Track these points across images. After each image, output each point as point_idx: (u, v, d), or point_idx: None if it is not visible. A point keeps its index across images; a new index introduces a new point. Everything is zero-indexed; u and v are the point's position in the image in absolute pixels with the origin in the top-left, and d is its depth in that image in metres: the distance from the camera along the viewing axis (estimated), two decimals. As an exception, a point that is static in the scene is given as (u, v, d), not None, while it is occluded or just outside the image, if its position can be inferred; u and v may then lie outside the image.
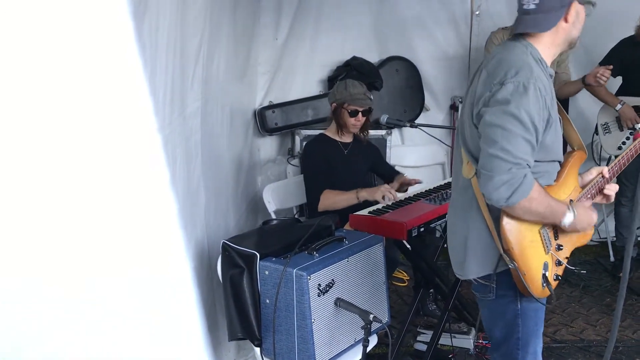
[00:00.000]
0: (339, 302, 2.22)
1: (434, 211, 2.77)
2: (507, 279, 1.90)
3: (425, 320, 3.42)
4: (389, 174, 3.41)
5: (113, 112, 1.68)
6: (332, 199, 3.07)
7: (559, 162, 1.96)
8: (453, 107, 4.62)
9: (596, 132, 3.96)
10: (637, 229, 4.14)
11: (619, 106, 3.75)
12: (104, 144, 1.69)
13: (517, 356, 2.00)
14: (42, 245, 1.69)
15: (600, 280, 4.02)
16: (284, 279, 2.16)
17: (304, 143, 3.82)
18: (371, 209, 2.85)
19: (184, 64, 2.35)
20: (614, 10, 3.70)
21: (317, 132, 3.69)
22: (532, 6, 1.81)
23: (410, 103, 4.57)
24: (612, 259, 4.27)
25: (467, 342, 3.12)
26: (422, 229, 2.67)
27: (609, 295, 3.81)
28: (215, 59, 2.94)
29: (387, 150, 4.25)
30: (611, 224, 4.27)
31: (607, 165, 2.16)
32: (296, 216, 3.62)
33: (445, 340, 3.03)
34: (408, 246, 2.95)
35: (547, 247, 1.90)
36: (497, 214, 1.83)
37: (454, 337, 3.09)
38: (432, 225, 2.77)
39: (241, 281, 2.25)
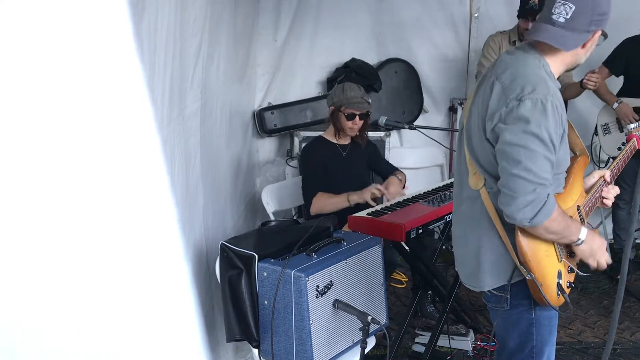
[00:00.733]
0: (337, 304, 2.22)
1: (432, 213, 2.77)
2: (520, 288, 1.88)
3: (423, 322, 3.42)
4: (387, 172, 3.40)
5: (112, 113, 1.68)
6: (323, 202, 3.08)
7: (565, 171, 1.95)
8: (452, 109, 4.63)
9: (596, 133, 3.97)
10: (635, 231, 4.15)
11: (615, 104, 3.77)
12: (103, 145, 1.69)
13: None
14: (40, 246, 1.68)
15: (598, 283, 4.02)
16: (282, 280, 2.16)
17: (303, 145, 3.82)
18: (369, 210, 2.85)
19: (183, 64, 2.35)
20: (624, 10, 3.70)
21: (316, 133, 3.70)
22: (561, 19, 1.74)
23: (409, 105, 4.58)
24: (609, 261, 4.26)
25: (465, 343, 3.12)
26: (420, 231, 2.67)
27: (607, 298, 3.82)
28: (215, 60, 2.94)
29: (386, 151, 4.25)
30: (609, 226, 4.28)
31: (605, 167, 2.17)
32: (295, 217, 3.62)
33: (443, 342, 3.03)
34: (406, 248, 2.95)
35: (560, 255, 1.89)
36: (510, 225, 1.80)
37: (452, 338, 3.09)
38: (430, 227, 2.77)
39: (239, 282, 2.25)
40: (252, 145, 4.22)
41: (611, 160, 3.94)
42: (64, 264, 1.72)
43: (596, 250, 1.90)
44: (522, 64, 1.81)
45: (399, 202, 2.97)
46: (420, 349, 3.08)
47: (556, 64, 1.84)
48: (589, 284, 3.98)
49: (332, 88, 4.25)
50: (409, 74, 4.54)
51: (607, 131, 3.89)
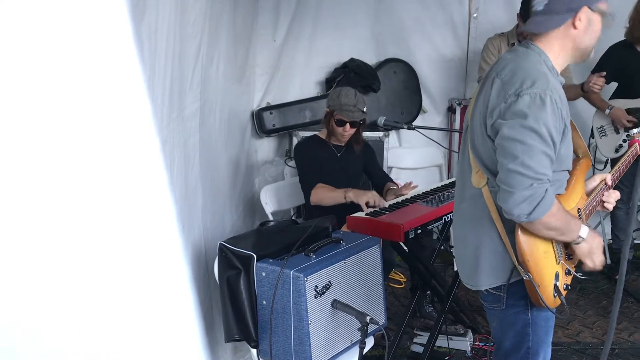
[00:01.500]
0: (336, 304, 2.22)
1: (431, 213, 2.77)
2: (518, 289, 1.88)
3: (422, 322, 3.42)
4: (378, 179, 3.39)
5: (112, 114, 1.68)
6: (322, 194, 3.08)
7: (568, 170, 1.93)
8: (450, 110, 4.63)
9: (592, 135, 3.97)
10: (634, 231, 4.16)
11: (607, 111, 3.78)
12: (102, 146, 1.69)
13: None
14: (39, 245, 1.68)
15: (596, 283, 4.03)
16: (281, 280, 2.16)
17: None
18: (368, 210, 2.85)
19: (183, 65, 2.35)
20: (614, 12, 3.71)
21: (314, 133, 3.70)
22: (540, 7, 1.79)
23: (407, 105, 4.58)
24: (608, 261, 4.27)
25: (463, 344, 3.12)
26: (419, 231, 2.67)
27: (605, 298, 3.82)
28: (214, 61, 2.94)
29: (385, 152, 4.25)
30: (607, 226, 4.29)
31: (603, 168, 2.17)
32: (293, 217, 3.62)
33: (442, 342, 3.04)
34: (405, 248, 2.95)
35: (559, 256, 1.89)
36: (510, 225, 1.80)
37: (451, 339, 3.09)
38: (429, 227, 2.77)
39: (238, 282, 2.25)
40: (250, 145, 4.22)
41: (609, 161, 3.95)
42: (63, 263, 1.72)
43: (595, 249, 1.90)
44: (523, 59, 1.81)
45: (397, 202, 2.97)
46: (419, 349, 3.08)
47: (556, 54, 1.83)
48: (587, 284, 3.99)
49: (331, 88, 4.28)
50: (407, 74, 4.54)
51: (603, 133, 3.89)
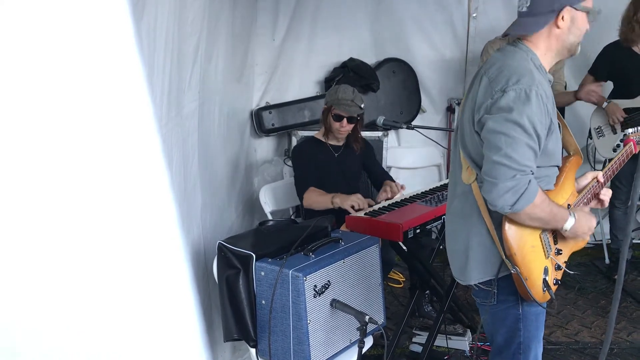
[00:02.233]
0: (335, 304, 2.22)
1: (430, 213, 2.77)
2: (508, 284, 1.90)
3: (420, 322, 3.43)
4: (377, 176, 3.39)
5: (112, 113, 1.68)
6: (312, 199, 3.07)
7: (558, 166, 1.96)
8: (449, 109, 4.63)
9: (590, 136, 3.98)
10: (632, 231, 4.16)
11: (605, 104, 3.78)
12: (103, 145, 1.69)
13: None
14: (39, 245, 1.68)
15: (595, 283, 4.03)
16: (279, 280, 2.16)
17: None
18: (367, 210, 2.85)
19: (182, 64, 2.35)
20: (607, 12, 3.71)
21: (313, 133, 3.70)
22: (524, 9, 1.84)
23: (406, 105, 4.58)
24: (607, 261, 4.28)
25: (462, 343, 3.13)
26: (418, 231, 2.67)
27: (604, 298, 3.82)
28: (213, 59, 2.94)
29: (384, 151, 4.25)
30: (606, 226, 4.29)
31: (602, 169, 2.18)
32: (292, 217, 3.62)
33: (440, 341, 3.04)
34: (404, 247, 2.95)
35: (547, 251, 1.91)
36: (498, 219, 1.83)
37: (450, 338, 3.09)
38: (428, 226, 2.77)
39: (237, 282, 2.25)
40: (249, 144, 4.22)
41: (608, 161, 3.96)
42: (64, 262, 1.72)
43: (582, 235, 1.93)
44: (510, 57, 1.85)
45: (396, 202, 2.97)
46: (418, 348, 3.09)
47: (543, 53, 1.87)
48: (586, 284, 3.99)
49: (330, 87, 4.28)
50: (407, 74, 4.54)
51: (600, 134, 3.90)
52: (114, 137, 1.70)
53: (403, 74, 4.53)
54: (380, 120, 3.31)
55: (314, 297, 2.17)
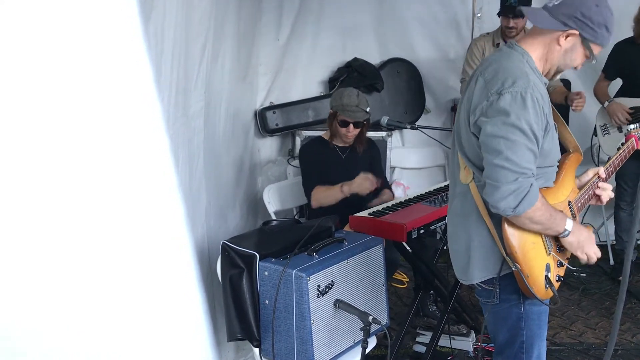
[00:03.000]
0: (338, 304, 2.22)
1: (433, 213, 2.77)
2: (510, 282, 1.90)
3: (424, 322, 3.42)
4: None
5: (121, 113, 1.68)
6: (320, 195, 3.08)
7: (556, 165, 1.97)
8: (453, 110, 4.62)
9: (595, 133, 3.97)
10: (637, 232, 4.14)
11: (606, 103, 3.77)
12: (111, 145, 1.69)
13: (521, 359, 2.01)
14: (47, 244, 1.69)
15: (599, 284, 4.02)
16: (283, 279, 2.16)
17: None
18: (371, 210, 2.85)
19: (189, 64, 2.36)
20: (622, 14, 3.70)
21: (317, 133, 3.70)
22: (552, 4, 1.83)
23: (411, 105, 4.58)
24: (611, 262, 4.27)
25: (466, 344, 3.12)
26: (422, 231, 2.67)
27: (609, 299, 3.81)
28: (219, 59, 2.95)
29: (388, 151, 4.25)
30: (611, 227, 4.27)
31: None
32: (296, 217, 3.62)
33: (444, 342, 3.03)
34: (408, 248, 2.95)
35: (549, 248, 1.91)
36: (498, 218, 1.84)
37: (453, 339, 3.09)
38: (432, 227, 2.77)
39: (241, 282, 2.25)
40: (253, 144, 4.22)
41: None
42: (72, 262, 1.72)
43: (584, 242, 1.92)
44: (506, 59, 1.86)
45: (400, 202, 2.97)
46: (421, 349, 3.08)
47: (538, 59, 1.88)
48: (590, 285, 3.98)
49: (334, 87, 4.27)
50: (411, 74, 4.54)
51: (605, 132, 3.89)
52: (123, 137, 1.71)
53: (407, 74, 4.53)
54: (385, 120, 3.31)
55: (318, 297, 2.17)
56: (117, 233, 1.76)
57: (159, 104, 1.75)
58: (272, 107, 4.29)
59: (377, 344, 2.67)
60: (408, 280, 4.03)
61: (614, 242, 4.20)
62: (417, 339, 3.18)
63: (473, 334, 3.17)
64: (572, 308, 3.68)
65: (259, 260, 2.24)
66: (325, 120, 3.33)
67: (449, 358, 3.05)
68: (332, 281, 2.22)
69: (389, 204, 2.96)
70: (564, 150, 2.12)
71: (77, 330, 1.78)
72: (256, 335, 2.29)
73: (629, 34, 3.72)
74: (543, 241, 1.90)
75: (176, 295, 1.95)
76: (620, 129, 3.80)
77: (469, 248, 1.93)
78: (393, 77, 4.49)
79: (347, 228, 2.76)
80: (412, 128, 3.31)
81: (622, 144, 3.77)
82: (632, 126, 2.43)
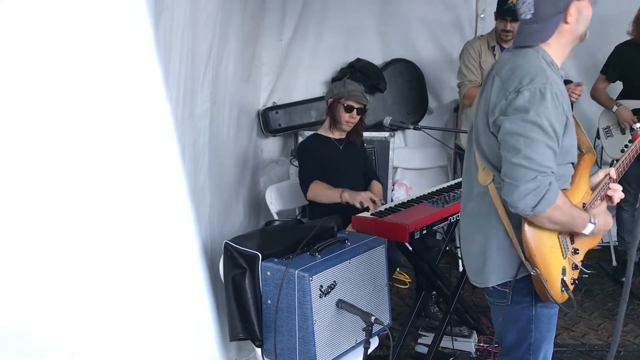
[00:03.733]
0: (341, 304, 2.22)
1: (436, 213, 2.77)
2: (524, 285, 1.89)
3: (426, 323, 3.42)
4: (367, 176, 3.39)
5: (132, 115, 1.69)
6: (318, 191, 3.07)
7: (573, 163, 1.94)
8: (456, 110, 4.62)
9: (598, 136, 3.96)
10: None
11: (615, 108, 3.76)
12: (121, 145, 1.70)
13: None
14: (57, 245, 1.70)
15: (602, 285, 4.01)
16: (285, 279, 2.16)
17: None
18: (374, 210, 2.85)
19: (195, 65, 2.37)
20: (616, 13, 3.70)
21: (315, 132, 3.70)
22: (528, 16, 1.79)
23: (413, 105, 4.58)
24: (614, 263, 4.26)
25: (468, 345, 3.12)
26: (424, 232, 2.67)
27: (611, 300, 3.80)
28: (224, 60, 2.96)
29: (390, 152, 4.25)
30: (613, 228, 4.26)
31: (611, 166, 2.16)
32: (299, 217, 3.62)
33: (446, 342, 3.03)
34: (410, 248, 2.95)
35: (565, 251, 1.89)
36: (517, 221, 1.81)
37: (456, 340, 3.09)
38: (434, 227, 2.77)
39: (243, 281, 2.26)
40: (256, 144, 4.22)
41: (615, 162, 3.93)
42: (79, 263, 1.73)
43: (598, 233, 1.92)
44: (521, 57, 1.83)
45: (402, 202, 2.97)
46: (423, 349, 3.08)
47: (555, 50, 1.84)
48: (593, 286, 3.97)
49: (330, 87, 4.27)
50: (414, 75, 4.54)
51: (609, 134, 3.88)
52: (133, 138, 1.72)
53: (410, 74, 4.53)
54: (387, 120, 3.31)
55: (320, 297, 2.17)
56: (125, 233, 1.77)
57: (168, 105, 1.76)
58: (275, 108, 4.30)
59: (379, 345, 2.67)
60: (410, 280, 4.03)
61: (617, 243, 4.20)
62: (419, 340, 3.18)
63: (475, 335, 3.17)
64: (571, 308, 3.67)
65: (262, 260, 2.24)
66: (325, 112, 3.34)
67: (451, 359, 3.05)
68: (334, 281, 2.22)
69: (392, 204, 2.96)
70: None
71: (84, 329, 1.79)
72: (258, 335, 2.29)
73: (624, 34, 3.71)
74: (560, 244, 1.88)
75: (182, 295, 1.96)
76: (623, 131, 3.79)
77: (485, 250, 1.90)
78: (396, 77, 4.49)
79: (349, 228, 2.76)
80: (414, 129, 3.32)
81: (626, 146, 3.77)
82: (638, 125, 2.42)
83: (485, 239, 1.90)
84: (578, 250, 1.94)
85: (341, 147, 3.28)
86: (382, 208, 2.89)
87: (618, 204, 4.00)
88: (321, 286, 2.17)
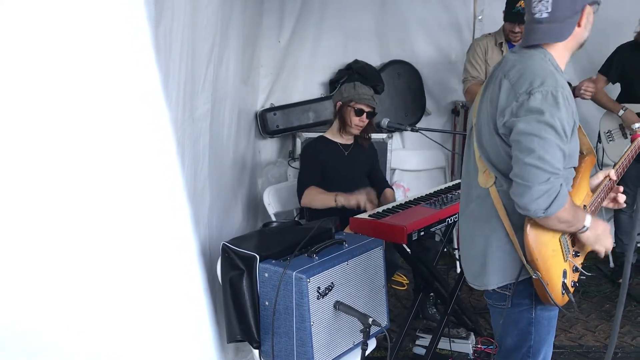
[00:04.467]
0: (338, 305, 2.22)
1: (434, 215, 2.77)
2: (524, 287, 1.89)
3: (424, 324, 3.42)
4: (377, 182, 3.39)
5: (130, 117, 1.69)
6: (312, 197, 3.07)
7: (574, 167, 1.94)
8: (454, 112, 4.63)
9: (599, 140, 3.95)
10: (638, 235, 4.13)
11: (621, 112, 3.75)
12: (120, 147, 1.70)
13: None
14: (55, 246, 1.70)
15: (599, 286, 4.02)
16: (283, 281, 2.16)
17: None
18: (371, 212, 2.85)
19: (195, 67, 2.37)
20: (616, 15, 3.71)
21: (318, 134, 3.70)
22: (544, 15, 1.78)
23: (411, 107, 4.58)
24: (611, 265, 4.27)
25: (465, 346, 3.12)
26: (422, 233, 2.67)
27: (608, 301, 3.81)
28: (224, 62, 2.96)
29: (388, 154, 4.25)
30: (611, 230, 4.27)
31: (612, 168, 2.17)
32: (296, 219, 3.62)
33: (444, 344, 3.03)
34: (408, 250, 2.95)
35: (566, 254, 1.89)
36: (518, 223, 1.81)
37: (453, 341, 3.09)
38: (432, 229, 2.77)
39: (241, 283, 2.25)
40: (254, 146, 4.22)
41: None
42: (77, 264, 1.73)
43: (600, 235, 1.91)
44: (528, 59, 1.82)
45: (400, 204, 2.97)
46: (421, 351, 3.08)
47: (560, 54, 1.84)
48: (590, 287, 3.98)
49: (336, 89, 4.27)
50: (411, 76, 4.54)
51: (610, 138, 3.87)
52: (131, 140, 1.71)
53: (408, 76, 4.53)
54: (385, 122, 3.31)
55: (318, 298, 2.17)
56: (124, 233, 1.77)
57: (166, 107, 1.76)
58: (273, 109, 4.30)
59: (376, 346, 2.67)
60: (408, 282, 4.03)
61: (614, 244, 4.20)
62: (417, 342, 3.18)
63: (473, 337, 3.17)
64: (571, 310, 3.68)
65: (259, 261, 2.24)
66: (325, 122, 3.35)
67: (448, 360, 3.06)
68: (332, 283, 2.22)
69: (389, 205, 2.95)
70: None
71: (84, 330, 1.79)
72: (256, 337, 2.29)
73: (628, 36, 3.72)
74: (562, 247, 1.87)
75: (181, 296, 1.95)
76: (625, 135, 3.78)
77: (486, 253, 1.89)
78: (394, 79, 4.49)
79: (347, 230, 2.76)
80: (412, 130, 3.32)
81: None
82: (637, 125, 2.42)
83: (485, 242, 1.89)
84: (579, 252, 1.94)
85: (346, 153, 3.27)
86: (380, 209, 2.89)
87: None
88: (319, 288, 2.17)
